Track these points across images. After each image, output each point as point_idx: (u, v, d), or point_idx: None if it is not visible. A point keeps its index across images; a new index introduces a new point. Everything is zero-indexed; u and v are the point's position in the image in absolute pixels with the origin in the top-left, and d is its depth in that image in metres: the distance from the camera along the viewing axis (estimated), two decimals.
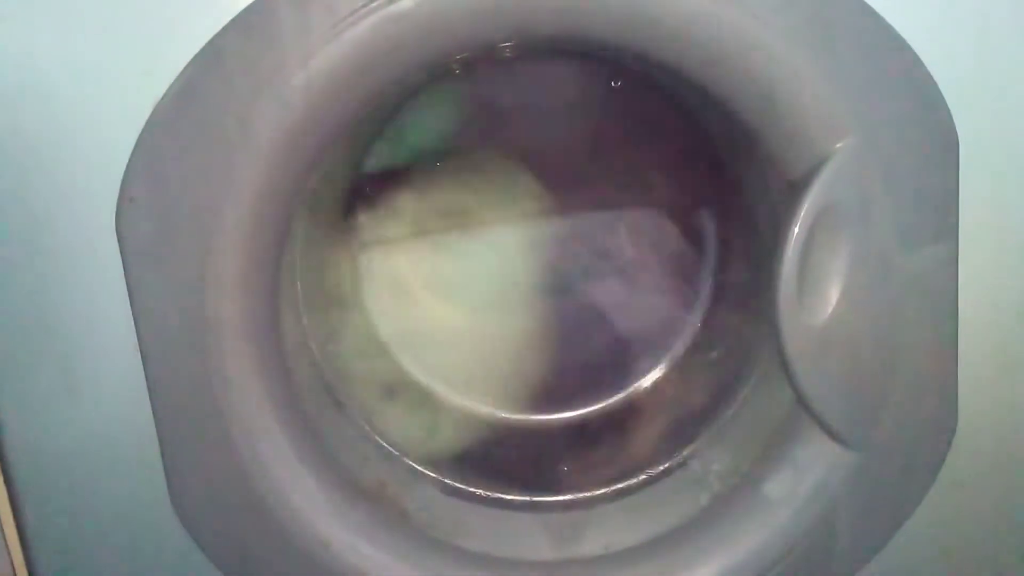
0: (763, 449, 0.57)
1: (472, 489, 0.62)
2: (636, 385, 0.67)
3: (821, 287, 0.50)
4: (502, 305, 0.66)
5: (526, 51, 0.57)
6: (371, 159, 0.64)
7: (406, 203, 0.64)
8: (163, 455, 0.51)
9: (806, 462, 0.54)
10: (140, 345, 0.50)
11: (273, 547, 0.53)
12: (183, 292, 0.50)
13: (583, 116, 0.65)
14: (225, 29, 0.46)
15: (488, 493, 0.62)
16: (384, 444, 0.61)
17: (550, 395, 0.66)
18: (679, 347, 0.67)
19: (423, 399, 0.66)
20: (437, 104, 0.64)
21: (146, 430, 0.51)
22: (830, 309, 0.50)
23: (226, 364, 0.51)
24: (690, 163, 0.65)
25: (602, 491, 0.63)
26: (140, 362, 0.50)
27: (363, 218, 0.64)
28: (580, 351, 0.66)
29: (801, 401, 0.53)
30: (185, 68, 0.46)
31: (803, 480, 0.54)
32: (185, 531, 0.52)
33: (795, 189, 0.50)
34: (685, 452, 0.62)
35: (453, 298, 0.66)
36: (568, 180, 0.66)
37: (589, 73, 0.63)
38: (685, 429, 0.63)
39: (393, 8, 0.46)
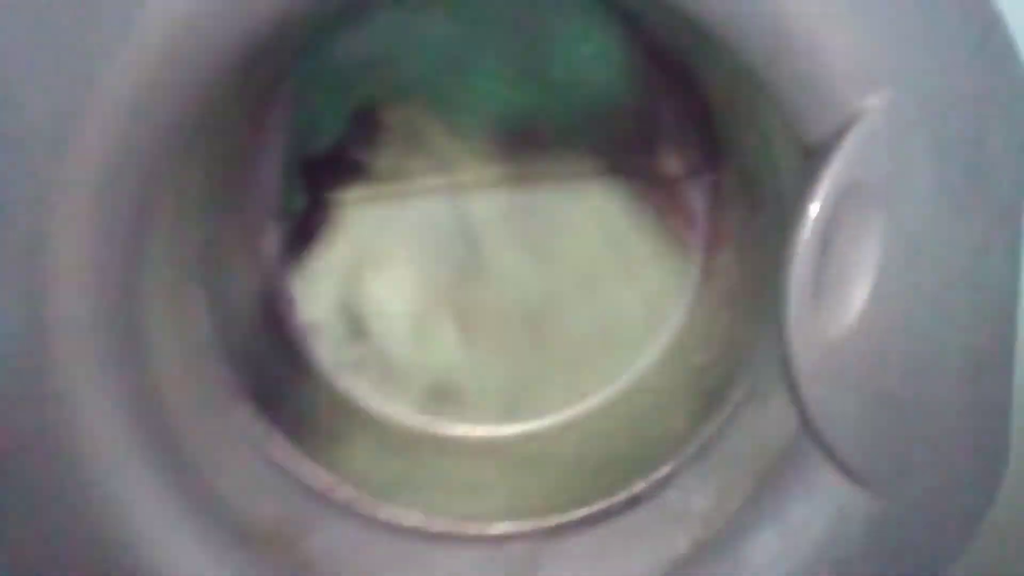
0: (756, 485, 0.46)
1: (397, 521, 0.50)
2: (602, 391, 0.56)
3: (843, 287, 0.38)
4: (445, 289, 0.54)
5: None
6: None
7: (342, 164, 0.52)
8: None
9: (811, 506, 0.43)
10: None
11: None
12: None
13: (548, 66, 0.53)
14: None
15: (417, 524, 0.50)
16: (288, 466, 0.49)
17: (496, 401, 0.55)
18: (655, 347, 0.55)
19: (337, 405, 0.54)
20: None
21: None
22: (854, 315, 0.39)
23: (64, 376, 0.38)
24: (678, 125, 0.53)
25: (554, 522, 0.51)
26: None
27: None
28: (536, 348, 0.54)
29: (809, 429, 0.41)
30: None
31: (807, 529, 0.43)
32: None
33: (812, 159, 0.39)
34: (658, 475, 0.51)
35: (387, 279, 0.54)
36: (531, 143, 0.54)
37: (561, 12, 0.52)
38: (659, 446, 0.51)
39: None
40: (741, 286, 0.52)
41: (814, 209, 0.38)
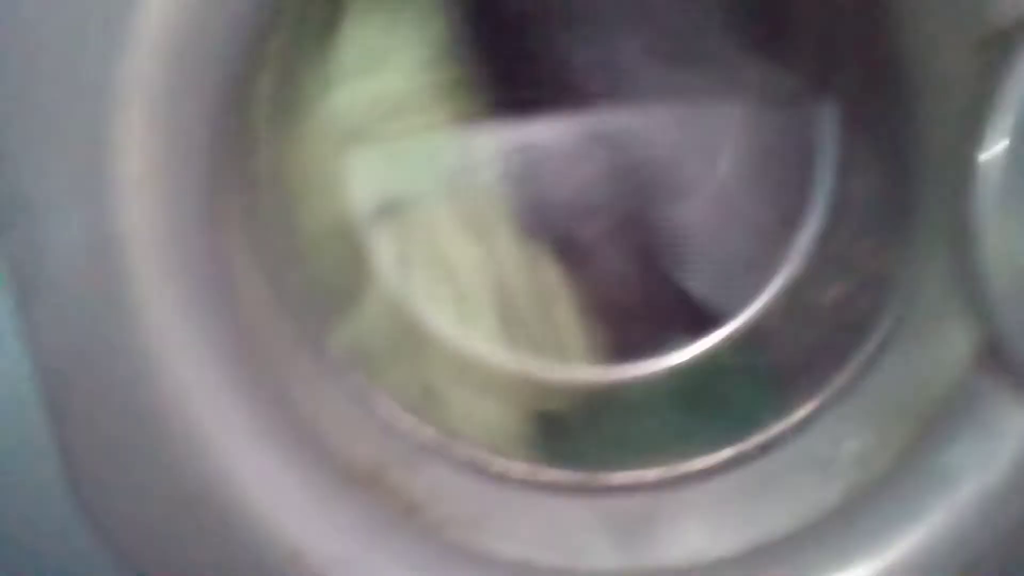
0: (922, 424, 0.40)
1: (505, 468, 0.45)
2: (726, 326, 0.50)
3: None
4: (551, 226, 0.48)
5: None
6: None
7: (413, 76, 0.46)
8: (58, 437, 0.35)
9: (992, 445, 0.37)
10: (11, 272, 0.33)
11: (224, 559, 0.36)
12: (70, 189, 0.33)
13: None
14: None
15: (526, 473, 0.45)
16: (384, 407, 0.44)
17: (613, 342, 0.49)
18: (782, 279, 0.49)
19: (438, 349, 0.49)
20: None
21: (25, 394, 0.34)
22: None
23: (137, 296, 0.34)
24: (811, 34, 0.47)
25: (680, 469, 0.46)
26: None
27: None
28: (652, 281, 0.49)
29: (999, 358, 0.36)
30: None
31: (986, 471, 0.37)
32: (92, 534, 0.36)
33: (1001, 47, 0.32)
34: (795, 417, 0.45)
35: (481, 210, 0.48)
36: (638, 58, 0.48)
37: None
38: (794, 386, 0.46)
39: None
40: (884, 213, 0.46)
41: (1010, 108, 0.32)
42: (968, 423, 0.38)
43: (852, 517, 0.40)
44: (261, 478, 0.36)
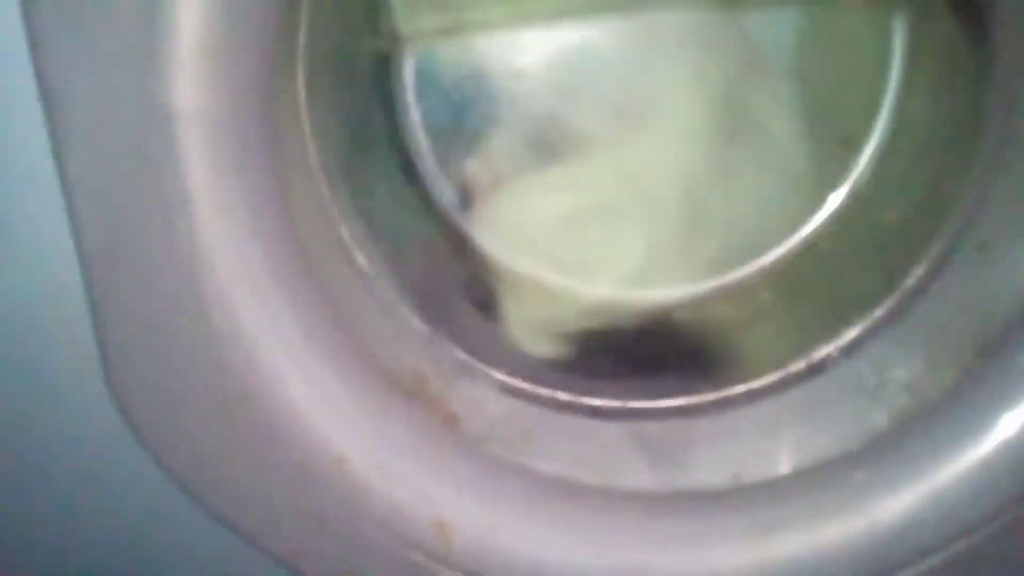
0: (978, 353, 0.39)
1: (545, 390, 0.44)
2: (775, 247, 0.49)
3: None
4: (599, 136, 0.47)
5: None
6: None
7: None
8: (97, 329, 0.34)
9: None
10: (53, 145, 0.32)
11: (260, 461, 0.35)
12: (119, 65, 0.31)
13: None
14: None
15: (567, 395, 0.44)
16: (425, 324, 0.43)
17: (661, 261, 0.48)
18: (839, 198, 0.48)
19: (481, 261, 0.48)
20: None
21: (67, 279, 0.33)
22: None
23: (189, 182, 0.32)
24: None
25: (720, 394, 0.45)
26: (54, 172, 0.32)
27: None
28: (705, 199, 0.47)
29: None
30: None
31: None
32: (131, 436, 0.35)
33: None
34: (842, 340, 0.44)
35: (534, 122, 0.47)
36: None
37: None
38: (845, 311, 0.45)
39: None
40: (948, 132, 0.44)
41: None
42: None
43: (899, 442, 0.39)
44: (306, 382, 0.35)
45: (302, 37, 0.41)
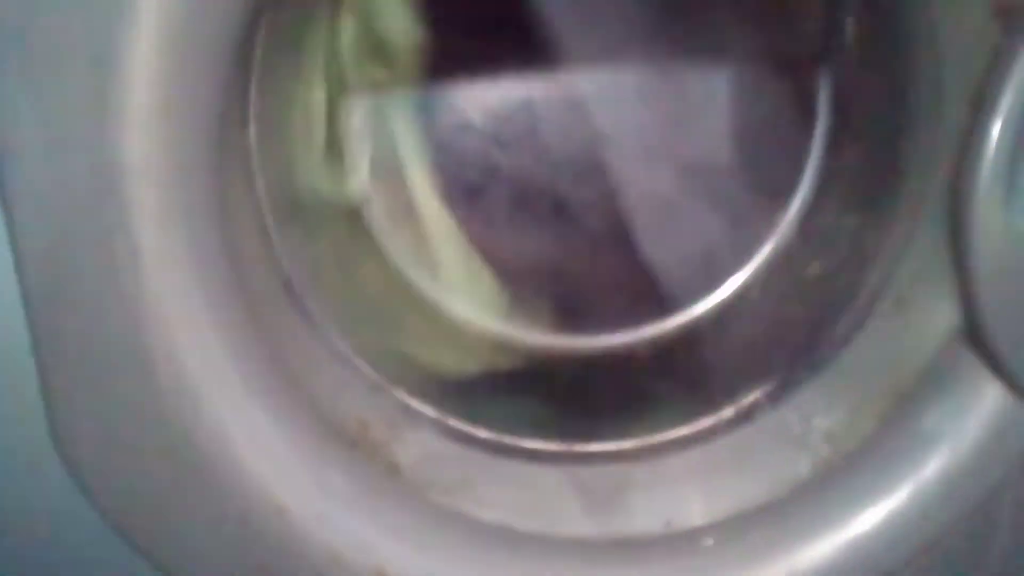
0: (895, 402, 0.41)
1: (485, 434, 0.45)
2: (705, 298, 0.51)
3: None
4: (534, 189, 0.48)
5: None
6: None
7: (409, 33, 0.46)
8: (41, 378, 0.34)
9: (965, 424, 0.38)
10: (2, 196, 0.32)
11: (202, 512, 0.36)
12: (71, 120, 0.32)
13: None
14: None
15: (506, 439, 0.45)
16: (368, 368, 0.44)
17: (591, 313, 0.50)
18: (764, 254, 0.50)
19: (423, 310, 0.49)
20: None
21: (12, 332, 0.33)
22: None
23: (137, 232, 0.33)
24: None
25: (655, 439, 0.47)
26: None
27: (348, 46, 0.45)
28: (633, 254, 0.49)
29: (976, 336, 0.37)
30: None
31: (958, 450, 0.39)
32: (74, 485, 0.35)
33: (1008, 20, 0.34)
34: (770, 389, 0.46)
35: (474, 169, 0.48)
36: (627, 20, 0.48)
37: None
38: (772, 360, 0.47)
39: None
40: (871, 187, 0.47)
41: (1013, 85, 0.33)
42: (940, 399, 0.39)
43: (821, 490, 0.41)
44: (248, 433, 0.36)
45: (252, 91, 0.41)
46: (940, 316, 0.40)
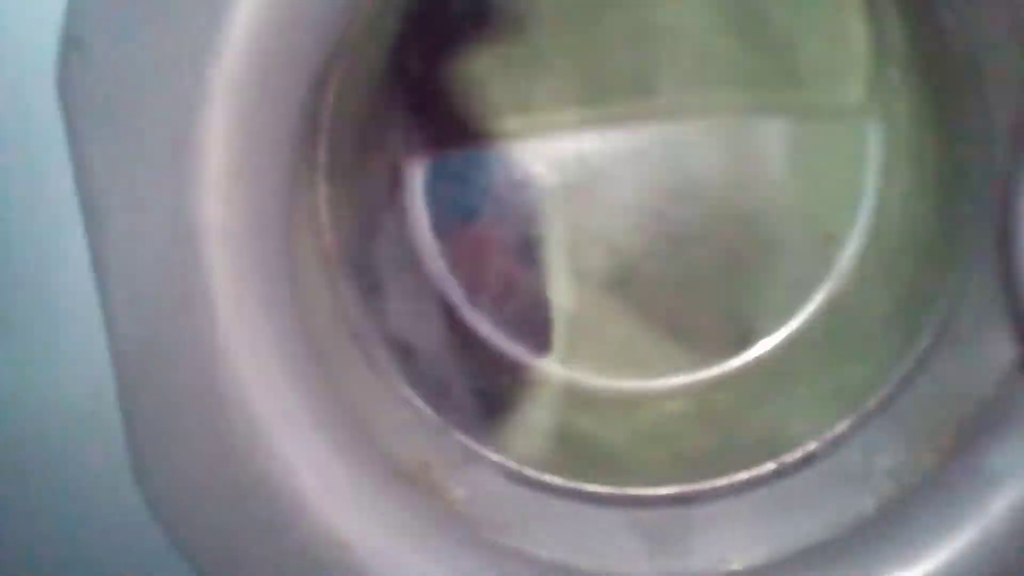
0: (956, 437, 0.41)
1: (544, 476, 0.46)
2: (765, 340, 0.51)
3: None
4: (601, 236, 0.50)
5: None
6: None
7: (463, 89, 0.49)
8: (126, 421, 0.37)
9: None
10: (93, 259, 0.36)
11: (273, 547, 0.38)
12: (153, 184, 0.35)
13: None
14: None
15: (565, 482, 0.46)
16: (430, 412, 0.46)
17: (649, 353, 0.51)
18: (823, 294, 0.50)
19: (487, 355, 0.50)
20: None
21: (100, 382, 0.37)
22: None
23: (213, 290, 0.36)
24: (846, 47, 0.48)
25: (715, 483, 0.47)
26: (92, 284, 0.36)
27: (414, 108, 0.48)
28: (694, 293, 0.50)
29: None
30: None
31: (1021, 484, 0.38)
32: (156, 523, 0.38)
33: None
34: (836, 431, 0.46)
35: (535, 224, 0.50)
36: (681, 74, 0.50)
37: None
38: (831, 402, 0.47)
39: None
40: (924, 225, 0.47)
41: None
42: (1003, 436, 0.39)
43: (885, 528, 0.41)
44: (315, 471, 0.38)
45: (322, 155, 0.45)
46: (998, 351, 0.39)
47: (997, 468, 0.38)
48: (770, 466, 0.46)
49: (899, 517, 0.40)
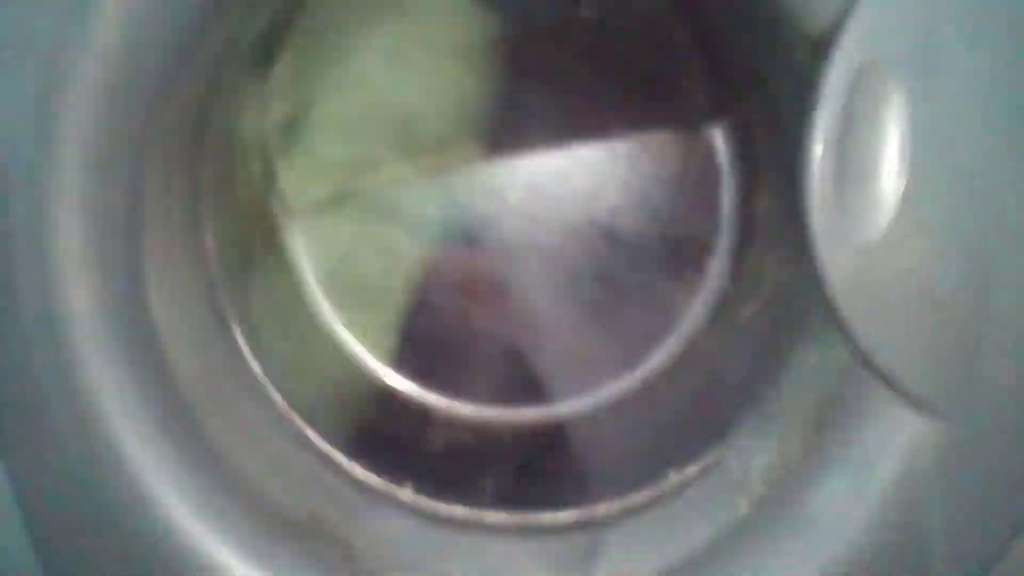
0: (815, 431, 0.41)
1: (441, 509, 0.47)
2: (647, 365, 0.52)
3: (871, 187, 0.35)
4: (469, 266, 0.52)
5: None
6: None
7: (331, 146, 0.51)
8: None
9: (877, 445, 0.38)
10: None
11: None
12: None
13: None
14: None
15: (462, 514, 0.47)
16: (323, 456, 0.48)
17: (532, 384, 0.52)
18: (701, 305, 0.52)
19: (370, 391, 0.52)
20: None
21: None
22: (888, 218, 0.35)
23: (84, 369, 0.38)
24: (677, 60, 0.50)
25: (610, 505, 0.47)
26: None
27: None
28: (566, 323, 0.52)
29: (860, 357, 0.37)
30: None
31: (874, 471, 0.38)
32: None
33: (821, 50, 0.35)
34: (721, 439, 0.46)
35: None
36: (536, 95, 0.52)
37: None
38: (716, 419, 0.47)
39: None
40: (783, 225, 0.48)
41: (824, 103, 0.34)
42: (850, 425, 0.39)
43: (758, 526, 0.41)
44: (203, 533, 0.40)
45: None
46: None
47: (846, 458, 0.39)
48: (675, 479, 0.47)
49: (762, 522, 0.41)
